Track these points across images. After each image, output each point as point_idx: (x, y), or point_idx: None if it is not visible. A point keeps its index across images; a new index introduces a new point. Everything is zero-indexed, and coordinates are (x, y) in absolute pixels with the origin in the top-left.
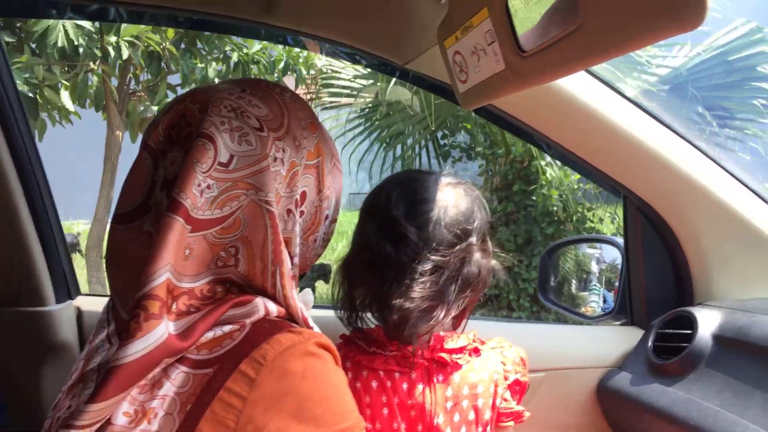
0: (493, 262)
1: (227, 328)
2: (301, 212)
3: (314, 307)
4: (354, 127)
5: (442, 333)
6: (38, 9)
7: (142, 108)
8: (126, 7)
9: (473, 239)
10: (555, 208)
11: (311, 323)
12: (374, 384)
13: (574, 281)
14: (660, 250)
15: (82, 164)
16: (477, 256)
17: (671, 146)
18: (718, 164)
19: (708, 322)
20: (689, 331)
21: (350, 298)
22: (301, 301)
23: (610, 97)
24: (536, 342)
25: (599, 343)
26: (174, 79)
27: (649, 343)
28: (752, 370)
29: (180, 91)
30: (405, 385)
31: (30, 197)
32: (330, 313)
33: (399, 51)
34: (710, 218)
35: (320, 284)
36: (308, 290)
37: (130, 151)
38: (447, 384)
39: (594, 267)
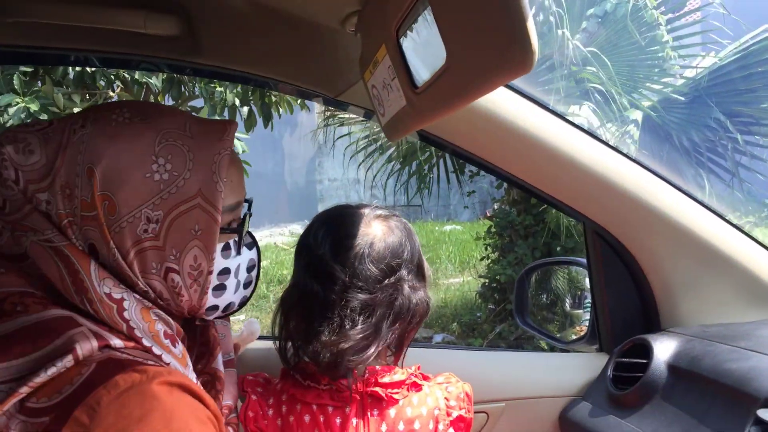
0: (422, 294)
1: (61, 364)
2: (102, 265)
3: (266, 338)
4: (368, 145)
5: (378, 367)
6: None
7: None
8: (52, 52)
9: (403, 272)
10: (573, 222)
11: (168, 357)
12: (306, 418)
13: (568, 299)
14: (623, 274)
15: None
16: (407, 289)
17: (620, 169)
18: (675, 186)
19: (664, 350)
20: (646, 361)
21: (285, 332)
22: (248, 330)
23: (554, 124)
24: (497, 371)
25: (564, 371)
26: (198, 102)
27: (609, 373)
28: (701, 402)
29: (204, 115)
30: (338, 420)
31: None
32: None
33: (330, 84)
34: (670, 242)
35: None
36: (254, 320)
37: None
38: (382, 419)
39: (588, 283)
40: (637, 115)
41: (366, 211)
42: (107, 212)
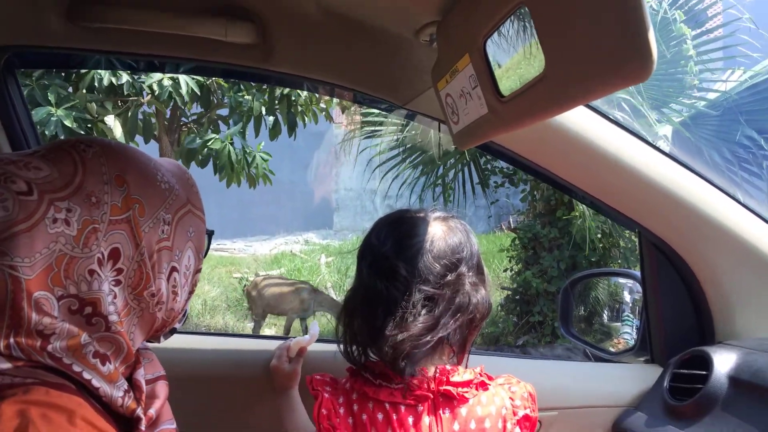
0: (483, 292)
1: None
2: (119, 270)
3: (324, 341)
4: (395, 156)
5: (448, 367)
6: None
7: (191, 139)
8: (130, 57)
9: (464, 269)
10: (598, 236)
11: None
12: (380, 416)
13: (606, 312)
14: (678, 286)
15: None
16: (468, 286)
17: (681, 180)
18: (734, 198)
19: (724, 362)
20: (705, 372)
21: (350, 333)
22: (312, 332)
23: (616, 134)
24: (550, 379)
25: (616, 381)
26: (224, 111)
27: (665, 384)
28: (766, 414)
29: (231, 124)
30: (411, 419)
31: None
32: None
33: (397, 92)
34: (728, 254)
35: None
36: (315, 322)
37: None
38: (454, 418)
39: (627, 297)
40: (667, 130)
41: (426, 213)
42: (138, 214)
